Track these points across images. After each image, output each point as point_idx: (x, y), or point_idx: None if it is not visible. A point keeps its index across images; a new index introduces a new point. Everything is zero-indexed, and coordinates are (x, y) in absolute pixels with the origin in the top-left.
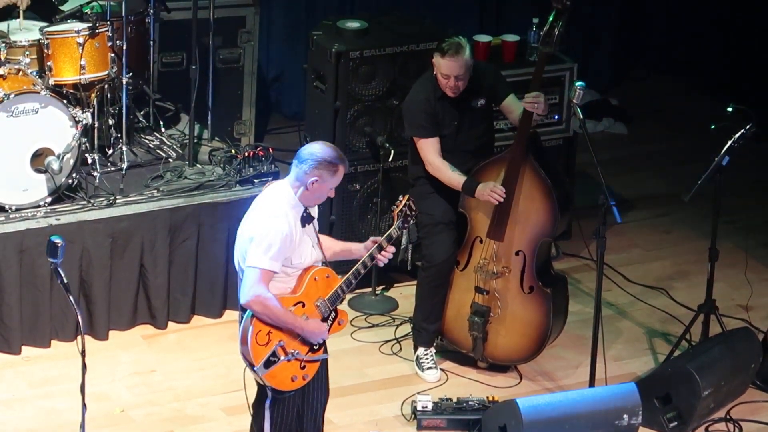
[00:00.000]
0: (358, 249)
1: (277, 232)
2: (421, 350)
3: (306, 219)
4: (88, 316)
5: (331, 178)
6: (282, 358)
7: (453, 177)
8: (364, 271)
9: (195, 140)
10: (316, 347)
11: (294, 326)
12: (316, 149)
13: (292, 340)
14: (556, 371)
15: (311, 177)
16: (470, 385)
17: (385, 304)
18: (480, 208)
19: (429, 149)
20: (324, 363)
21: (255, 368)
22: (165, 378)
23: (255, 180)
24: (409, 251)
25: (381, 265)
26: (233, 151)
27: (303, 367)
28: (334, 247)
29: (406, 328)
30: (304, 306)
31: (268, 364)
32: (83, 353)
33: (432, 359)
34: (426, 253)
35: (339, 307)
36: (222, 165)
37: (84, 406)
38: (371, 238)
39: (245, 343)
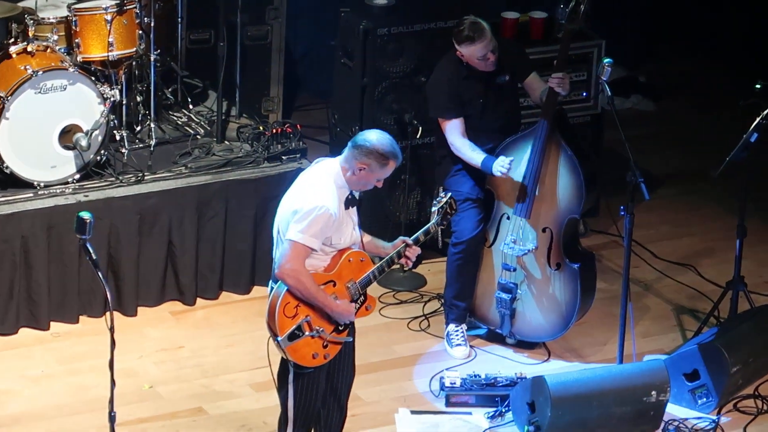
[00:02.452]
0: (384, 246)
1: (321, 210)
2: (451, 326)
3: (351, 201)
4: (116, 292)
5: (379, 169)
6: (306, 333)
7: (473, 156)
8: (397, 261)
9: (223, 117)
10: (341, 328)
11: (323, 304)
12: (373, 138)
13: (319, 318)
14: (584, 348)
15: (360, 164)
16: (498, 362)
17: (413, 281)
18: (506, 185)
19: (452, 130)
20: (350, 344)
21: (278, 339)
22: (193, 354)
23: (283, 157)
24: (439, 231)
25: (408, 265)
26: (261, 128)
27: (325, 346)
28: (363, 238)
29: (435, 305)
30: (335, 285)
31: (291, 337)
32: (112, 329)
33: (462, 336)
34: (455, 229)
35: (369, 292)
36: (250, 142)
37: (113, 382)
38: (400, 238)
39: (272, 312)
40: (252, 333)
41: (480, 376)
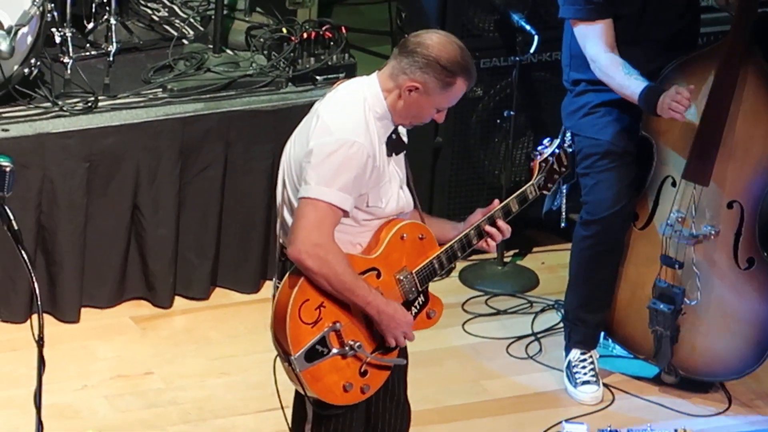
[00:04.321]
0: (454, 227)
1: (352, 148)
2: (575, 353)
3: (395, 144)
4: (49, 284)
5: (440, 92)
6: (334, 350)
7: (627, 83)
8: (476, 242)
9: (224, 12)
10: (390, 345)
11: (365, 302)
12: (433, 43)
13: (355, 325)
14: None
15: (411, 83)
16: (649, 410)
17: (517, 279)
18: (675, 131)
19: (594, 39)
20: (400, 371)
21: (291, 359)
22: (167, 386)
23: (318, 77)
24: (563, 198)
25: (490, 250)
26: (285, 30)
27: (364, 373)
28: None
29: (551, 318)
30: (379, 277)
31: (311, 355)
32: (40, 342)
33: (592, 368)
34: (587, 199)
35: (431, 290)
36: (266, 52)
37: (39, 424)
38: (478, 210)
39: (281, 315)
40: (261, 354)
41: None
